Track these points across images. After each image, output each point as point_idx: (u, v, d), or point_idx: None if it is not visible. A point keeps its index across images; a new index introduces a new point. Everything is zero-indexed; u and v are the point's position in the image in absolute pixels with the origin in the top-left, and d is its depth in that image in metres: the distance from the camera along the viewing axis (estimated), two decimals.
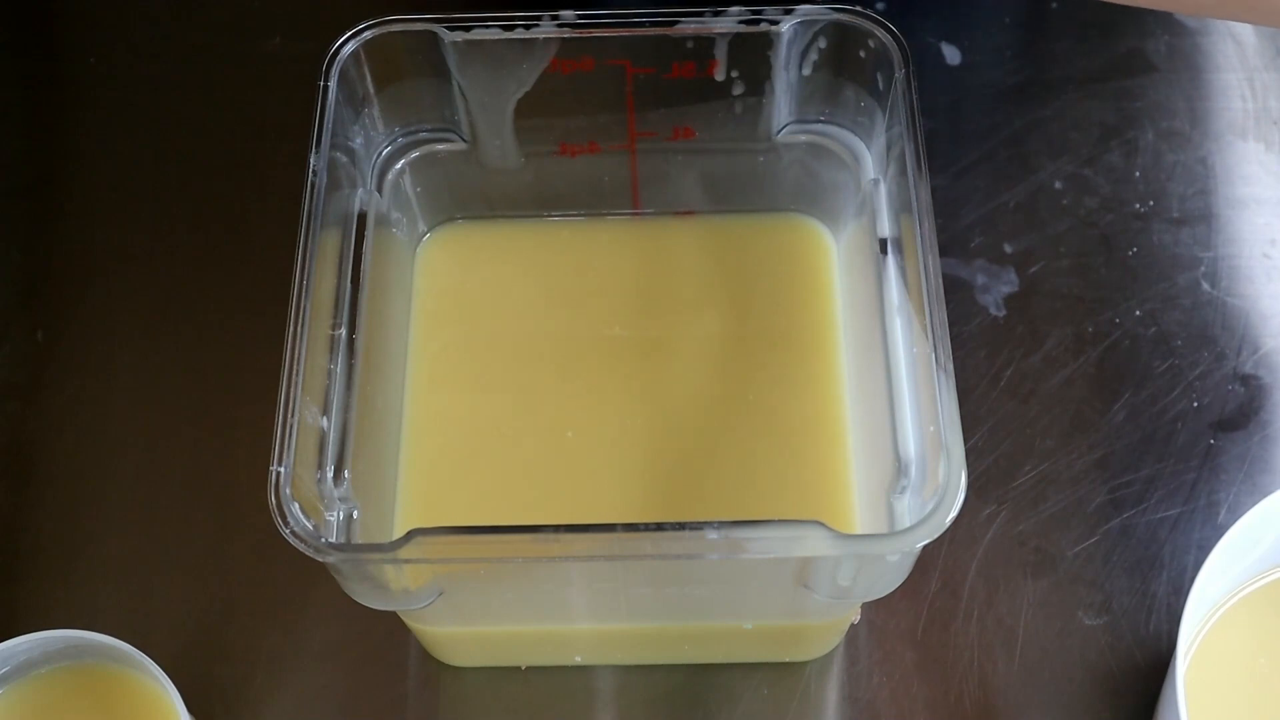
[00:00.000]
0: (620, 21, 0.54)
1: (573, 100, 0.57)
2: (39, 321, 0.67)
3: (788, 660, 0.58)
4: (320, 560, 0.45)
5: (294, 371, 0.47)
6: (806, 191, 0.60)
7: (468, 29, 0.54)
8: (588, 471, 0.57)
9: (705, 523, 0.44)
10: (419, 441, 0.57)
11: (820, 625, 0.55)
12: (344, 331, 0.52)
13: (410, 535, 0.44)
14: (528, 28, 0.54)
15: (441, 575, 0.49)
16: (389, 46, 0.54)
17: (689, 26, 0.54)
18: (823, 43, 0.54)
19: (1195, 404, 0.63)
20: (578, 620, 0.55)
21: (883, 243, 0.53)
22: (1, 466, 0.63)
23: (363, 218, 0.55)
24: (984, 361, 0.64)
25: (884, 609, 0.59)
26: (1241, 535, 0.51)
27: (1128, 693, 0.57)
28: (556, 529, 0.45)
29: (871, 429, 0.54)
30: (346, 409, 0.51)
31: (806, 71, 0.56)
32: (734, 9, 0.54)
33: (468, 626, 0.55)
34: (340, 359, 0.51)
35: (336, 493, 0.49)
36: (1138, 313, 0.66)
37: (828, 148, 0.58)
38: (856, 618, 0.58)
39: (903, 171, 0.51)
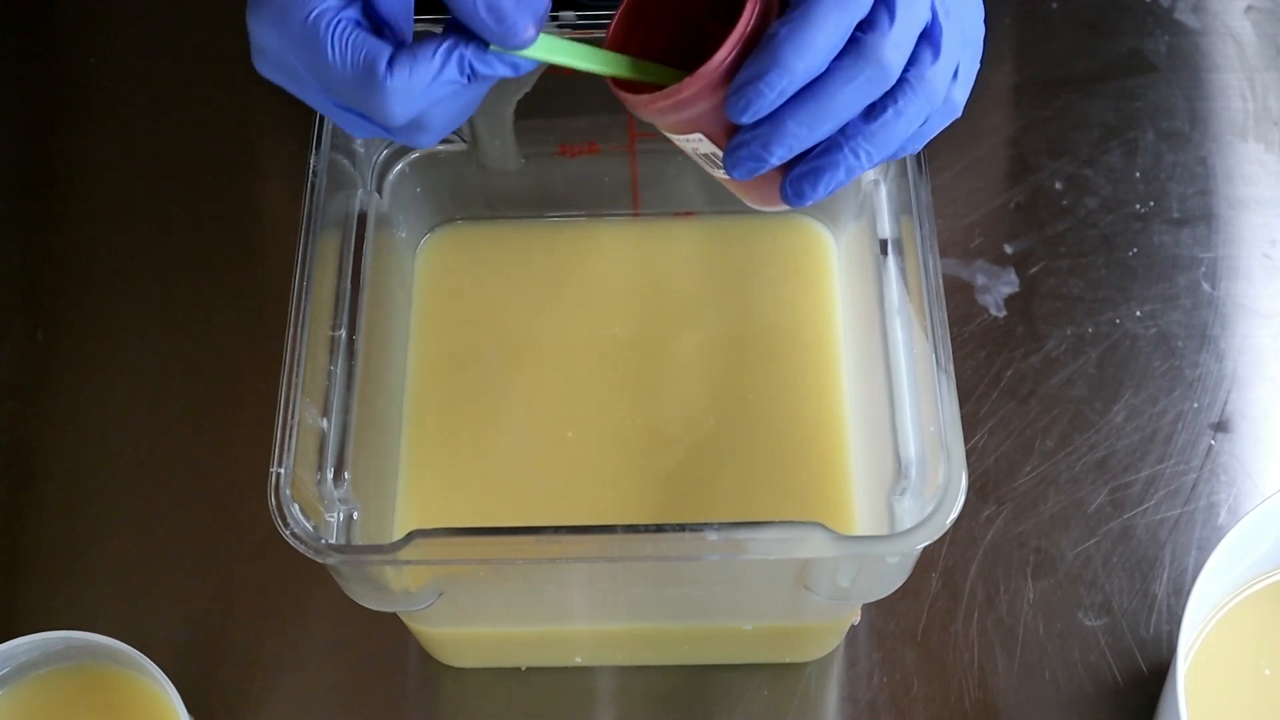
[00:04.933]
0: None
1: (573, 100, 0.57)
2: (39, 321, 0.66)
3: (788, 661, 0.58)
4: (320, 561, 0.45)
5: (294, 372, 0.47)
6: None
7: None
8: (588, 471, 0.57)
9: (705, 524, 0.44)
10: (419, 442, 0.57)
11: (820, 626, 0.55)
12: (344, 332, 0.51)
13: (410, 537, 0.44)
14: None
15: (441, 576, 0.49)
16: None
17: None
18: None
19: (1195, 404, 0.63)
20: (578, 621, 0.55)
21: (883, 243, 0.53)
22: (1, 466, 0.63)
23: (363, 218, 0.55)
24: (984, 362, 0.64)
25: (884, 610, 0.59)
26: (1242, 536, 0.51)
27: (1128, 693, 0.57)
28: (557, 530, 0.45)
29: (872, 429, 0.54)
30: (346, 410, 0.51)
31: None
32: None
33: (468, 627, 0.55)
34: (340, 360, 0.51)
35: (336, 494, 0.49)
36: (1138, 313, 0.66)
37: None
38: (856, 619, 0.58)
39: (903, 172, 0.51)
